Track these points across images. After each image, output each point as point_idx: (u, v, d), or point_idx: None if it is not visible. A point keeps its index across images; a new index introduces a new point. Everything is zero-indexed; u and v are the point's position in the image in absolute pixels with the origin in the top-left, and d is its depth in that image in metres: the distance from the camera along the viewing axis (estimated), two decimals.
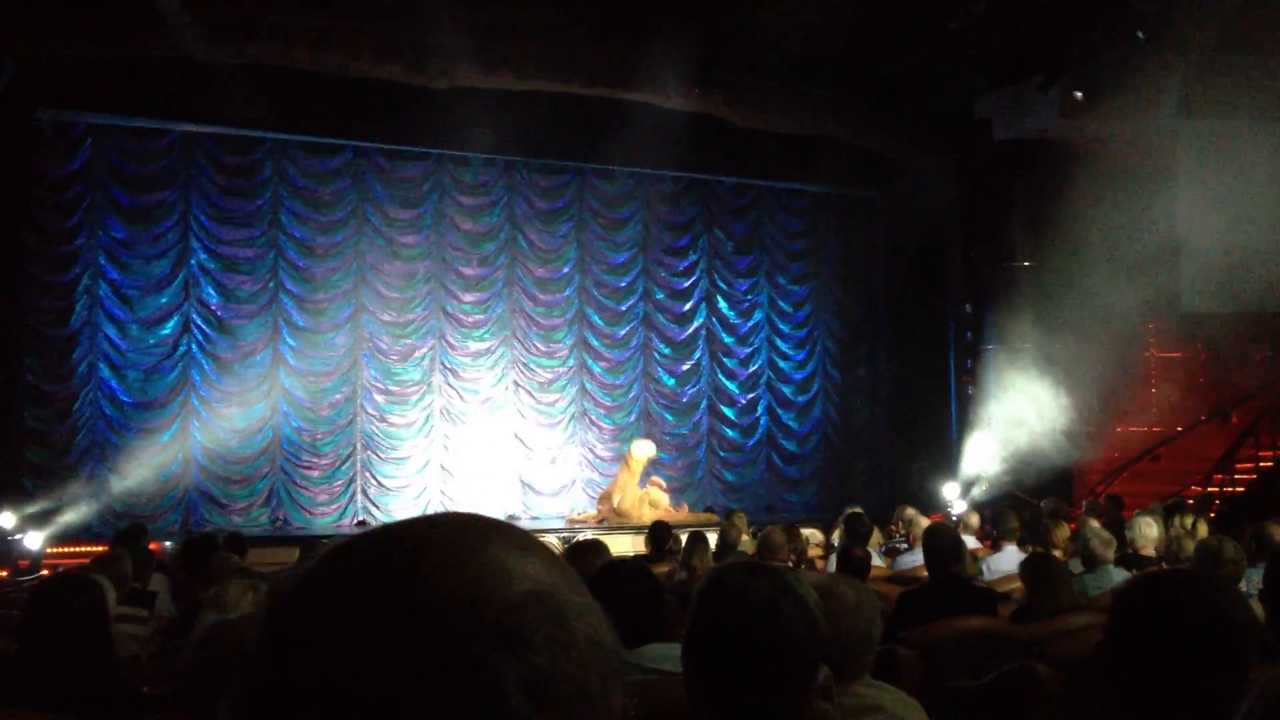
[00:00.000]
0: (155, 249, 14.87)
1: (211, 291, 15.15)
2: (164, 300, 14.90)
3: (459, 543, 0.79)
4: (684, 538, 9.04)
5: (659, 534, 10.18)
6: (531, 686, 0.74)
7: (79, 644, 3.73)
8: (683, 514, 15.16)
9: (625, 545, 12.90)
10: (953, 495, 15.92)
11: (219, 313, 15.18)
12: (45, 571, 11.31)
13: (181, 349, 14.92)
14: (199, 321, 15.05)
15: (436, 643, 0.73)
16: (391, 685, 0.71)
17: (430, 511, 0.81)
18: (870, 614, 3.04)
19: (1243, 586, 5.48)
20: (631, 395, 17.58)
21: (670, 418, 17.83)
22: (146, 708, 3.71)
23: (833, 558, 8.20)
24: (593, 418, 17.32)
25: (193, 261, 15.01)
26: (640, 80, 14.30)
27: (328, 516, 15.39)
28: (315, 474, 15.61)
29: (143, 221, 14.83)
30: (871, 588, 6.36)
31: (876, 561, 8.41)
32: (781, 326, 18.63)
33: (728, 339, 18.31)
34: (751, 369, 18.38)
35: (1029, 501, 13.17)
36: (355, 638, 0.73)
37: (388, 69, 13.80)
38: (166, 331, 14.89)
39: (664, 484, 15.79)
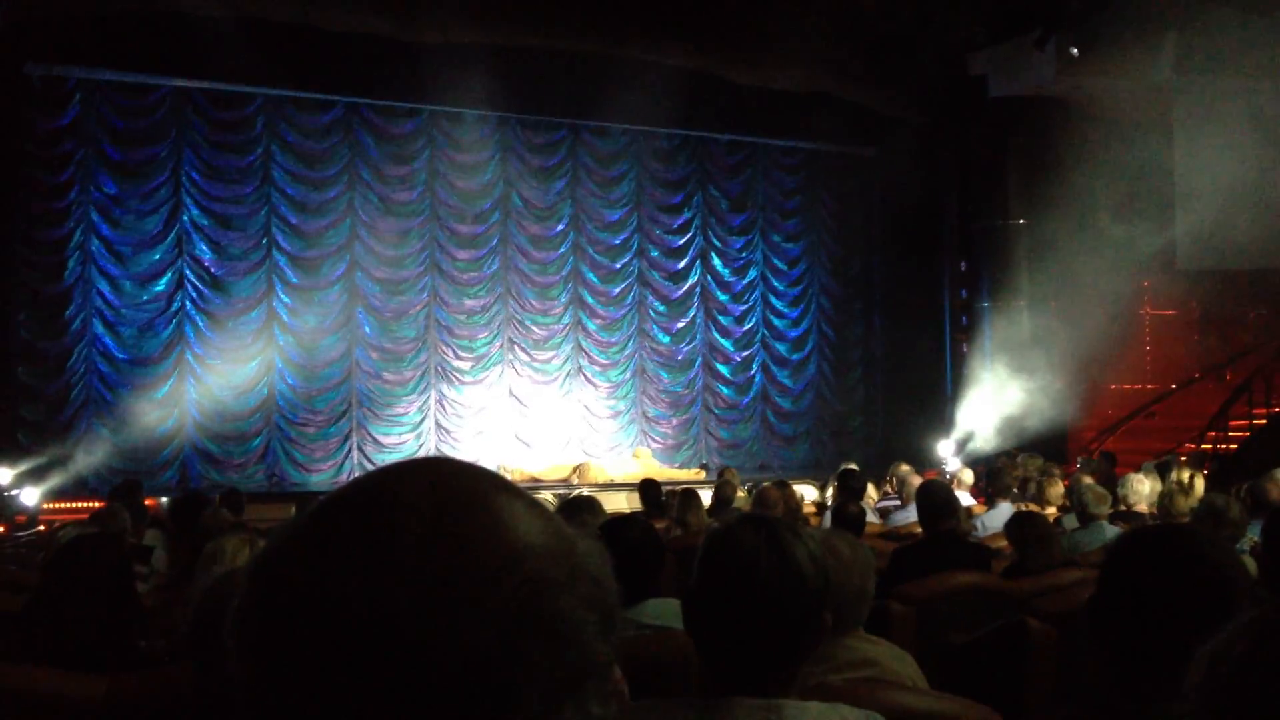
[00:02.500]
0: (147, 205, 14.80)
1: (204, 248, 15.11)
2: (157, 256, 14.85)
3: (465, 489, 0.78)
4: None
5: (650, 490, 10.18)
6: (549, 626, 0.74)
7: (102, 600, 3.74)
8: (671, 471, 15.28)
9: (620, 502, 12.94)
10: (947, 452, 15.97)
11: (212, 269, 15.14)
12: (41, 527, 11.34)
13: (175, 305, 14.89)
14: (192, 278, 15.01)
15: (457, 585, 0.72)
16: (412, 624, 0.70)
17: None
18: (865, 569, 3.06)
19: (1241, 545, 5.50)
20: (627, 352, 17.58)
21: (665, 375, 17.85)
22: (145, 661, 3.72)
23: (827, 514, 8.23)
24: (588, 375, 17.33)
25: (185, 218, 14.95)
26: (635, 35, 14.21)
27: (324, 473, 15.41)
28: (311, 430, 15.63)
29: (134, 177, 14.76)
30: (865, 544, 6.39)
31: (871, 518, 8.44)
32: (776, 284, 18.62)
33: (723, 296, 18.30)
34: (746, 326, 18.38)
35: (1009, 455, 13.18)
36: (374, 578, 0.71)
37: (379, 23, 13.70)
38: (160, 288, 14.86)
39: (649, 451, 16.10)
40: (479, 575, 0.72)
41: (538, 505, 0.81)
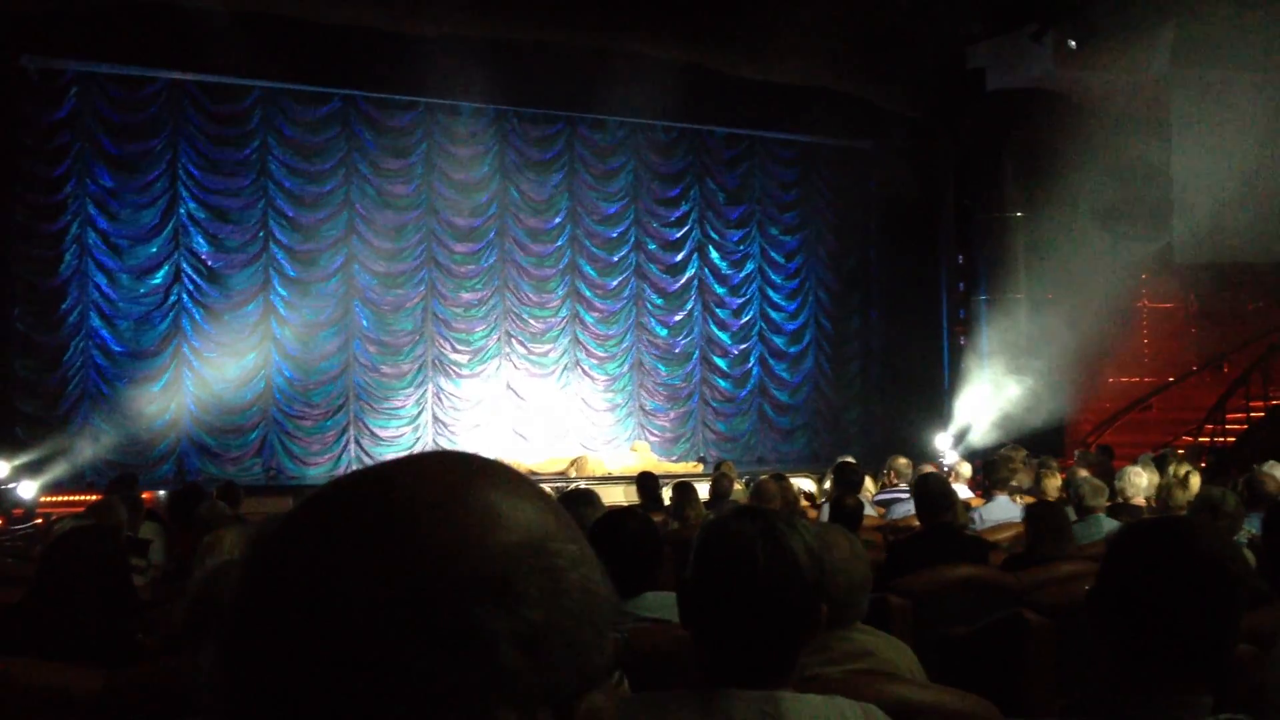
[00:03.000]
0: (144, 198, 14.79)
1: (201, 241, 15.10)
2: (153, 249, 14.84)
3: (448, 486, 0.77)
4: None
5: (647, 483, 10.19)
6: (522, 639, 0.73)
7: (98, 593, 3.75)
8: (668, 465, 15.30)
9: (618, 495, 12.94)
10: (944, 445, 15.98)
11: (209, 262, 15.13)
12: (39, 520, 11.34)
13: (172, 298, 14.87)
14: (189, 271, 15.00)
15: (422, 593, 0.72)
16: (376, 634, 0.70)
17: None
18: (861, 563, 3.07)
19: (1239, 537, 5.51)
20: (624, 346, 17.58)
21: (662, 368, 17.85)
22: (143, 654, 3.73)
23: (825, 507, 8.23)
24: (585, 368, 17.33)
25: (181, 211, 14.94)
26: (632, 28, 14.20)
27: (321, 466, 15.40)
28: (308, 424, 15.63)
29: (131, 170, 14.75)
30: (863, 537, 6.39)
31: (869, 511, 8.44)
32: (774, 277, 18.62)
33: (720, 289, 18.30)
34: (744, 319, 18.38)
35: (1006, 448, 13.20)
36: (338, 584, 0.71)
37: (376, 15, 13.68)
38: (157, 281, 14.84)
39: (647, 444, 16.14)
40: (435, 577, 0.72)
41: (540, 498, 0.80)
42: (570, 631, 0.75)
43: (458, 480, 0.78)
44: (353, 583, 0.72)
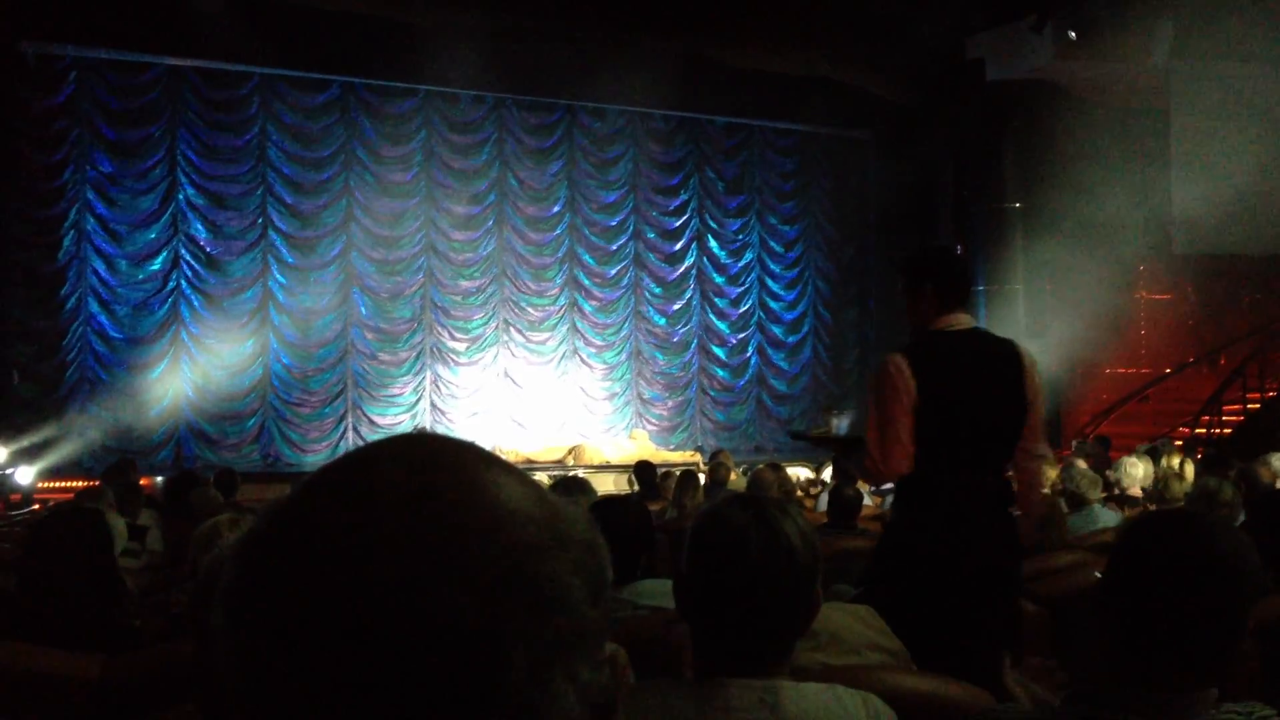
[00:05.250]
0: (143, 184, 14.77)
1: (200, 227, 15.08)
2: (152, 236, 14.83)
3: (469, 458, 0.79)
4: (673, 476, 9.07)
5: (645, 472, 10.20)
6: (591, 591, 0.76)
7: (84, 577, 3.74)
8: (666, 453, 15.30)
9: (615, 484, 12.96)
10: None
11: (208, 249, 15.13)
12: (36, 506, 11.35)
13: (171, 285, 14.87)
14: (188, 257, 14.99)
15: (504, 553, 0.73)
16: (395, 594, 0.70)
17: None
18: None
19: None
20: (622, 334, 17.58)
21: (661, 357, 17.85)
22: (139, 641, 3.73)
23: (823, 496, 8.24)
24: (583, 356, 17.32)
25: (180, 197, 14.92)
26: (632, 16, 14.17)
27: (319, 453, 15.40)
28: (306, 411, 15.63)
29: (129, 156, 14.73)
30: (860, 526, 6.42)
31: (866, 500, 8.45)
32: (772, 266, 18.61)
33: (718, 279, 18.29)
34: (742, 309, 18.38)
35: None
36: (409, 555, 0.71)
37: (376, 2, 13.67)
38: (155, 267, 14.84)
39: (645, 433, 16.14)
40: (460, 542, 0.72)
41: (522, 475, 0.81)
42: (604, 577, 0.78)
43: (472, 454, 0.80)
44: (432, 548, 0.72)
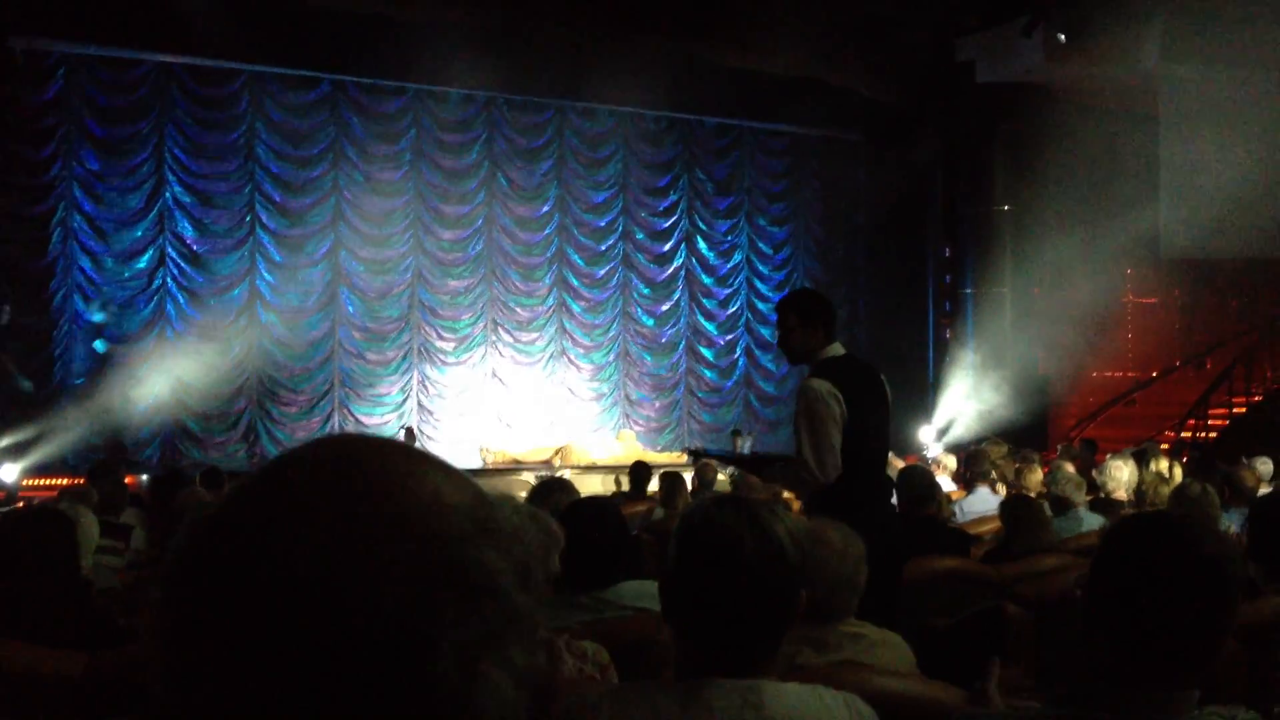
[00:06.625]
0: (130, 181, 14.72)
1: (187, 225, 15.04)
2: (138, 234, 14.78)
3: (395, 454, 0.80)
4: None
5: (640, 473, 10.18)
6: (520, 576, 0.76)
7: (48, 577, 3.73)
8: (653, 454, 15.30)
9: (601, 485, 12.96)
10: (928, 438, 16.02)
11: (194, 247, 15.08)
12: (20, 504, 11.31)
13: (157, 283, 14.81)
14: (174, 255, 14.94)
15: (429, 542, 0.74)
16: (391, 590, 0.72)
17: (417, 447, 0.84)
18: (856, 557, 3.08)
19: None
20: (610, 335, 17.58)
21: (648, 358, 17.85)
22: (123, 638, 3.72)
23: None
24: (571, 357, 17.32)
25: (167, 195, 14.87)
26: (623, 16, 14.17)
27: None
28: (293, 410, 15.60)
29: (117, 153, 14.68)
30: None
31: None
32: (761, 268, 18.62)
33: (707, 280, 18.30)
34: (730, 310, 18.39)
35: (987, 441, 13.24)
36: (337, 544, 0.73)
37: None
38: (141, 265, 14.79)
39: (633, 434, 16.13)
40: (383, 533, 0.73)
41: (448, 467, 0.82)
42: (500, 570, 0.77)
43: (396, 450, 0.81)
44: (356, 541, 0.73)
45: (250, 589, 0.72)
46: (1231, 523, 5.69)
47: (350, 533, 0.73)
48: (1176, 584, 1.85)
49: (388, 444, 0.81)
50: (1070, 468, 7.87)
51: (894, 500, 5.03)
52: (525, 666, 0.77)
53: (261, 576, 0.72)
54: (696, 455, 8.60)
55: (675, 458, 15.44)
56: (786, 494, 7.93)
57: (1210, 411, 16.06)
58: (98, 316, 14.39)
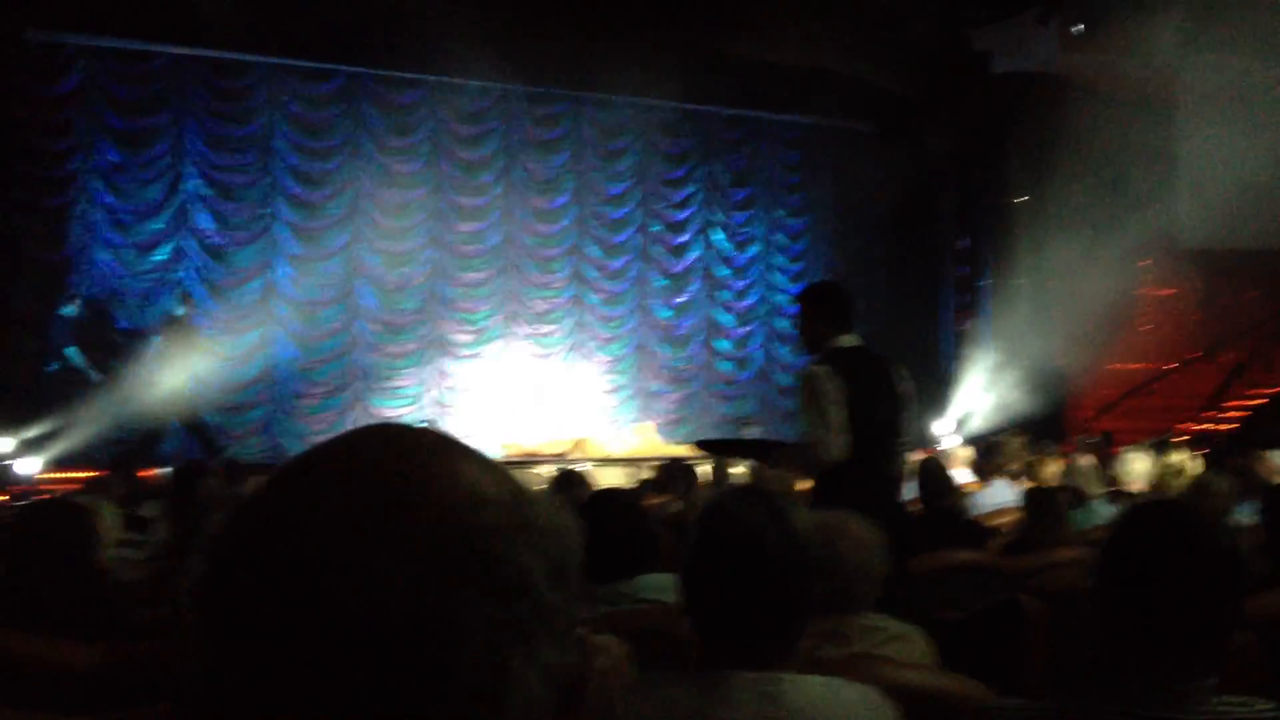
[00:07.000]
0: (149, 174, 14.74)
1: (206, 218, 15.06)
2: (158, 226, 14.81)
3: (408, 446, 0.81)
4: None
5: (675, 470, 9.91)
6: (552, 574, 0.77)
7: (65, 569, 3.74)
8: (670, 447, 15.27)
9: (619, 478, 12.96)
10: (944, 430, 15.99)
11: (213, 239, 15.10)
12: (43, 496, 11.36)
13: (176, 275, 14.85)
14: (194, 248, 14.97)
15: (461, 537, 0.75)
16: (352, 574, 0.72)
17: None
18: (878, 550, 3.10)
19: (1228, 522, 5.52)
20: (628, 327, 17.56)
21: (666, 350, 17.83)
22: (142, 632, 3.74)
23: None
24: (589, 349, 17.30)
25: (188, 187, 14.90)
26: (637, 7, 14.15)
27: None
28: (310, 403, 15.60)
29: (136, 146, 14.69)
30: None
31: None
32: (779, 260, 18.59)
33: (724, 272, 18.27)
34: (748, 302, 18.36)
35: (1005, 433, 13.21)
36: (369, 537, 0.74)
37: None
38: (161, 257, 14.82)
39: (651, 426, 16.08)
40: (417, 524, 0.75)
41: (485, 460, 0.84)
42: (567, 562, 0.79)
43: (434, 441, 0.82)
44: (389, 529, 0.74)
45: (284, 573, 0.73)
46: (1244, 514, 5.67)
47: (385, 522, 0.74)
48: (1182, 571, 1.86)
49: (427, 436, 0.82)
50: (1087, 460, 7.87)
51: (902, 496, 5.05)
52: (555, 665, 0.77)
53: (295, 562, 0.73)
54: (705, 446, 8.66)
55: (693, 450, 15.43)
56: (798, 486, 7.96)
57: (1228, 404, 16.00)
58: (68, 310, 14.32)
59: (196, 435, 13.95)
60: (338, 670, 0.71)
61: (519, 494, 0.80)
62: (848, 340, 4.91)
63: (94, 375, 13.94)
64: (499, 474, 0.81)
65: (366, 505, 0.75)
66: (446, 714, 0.73)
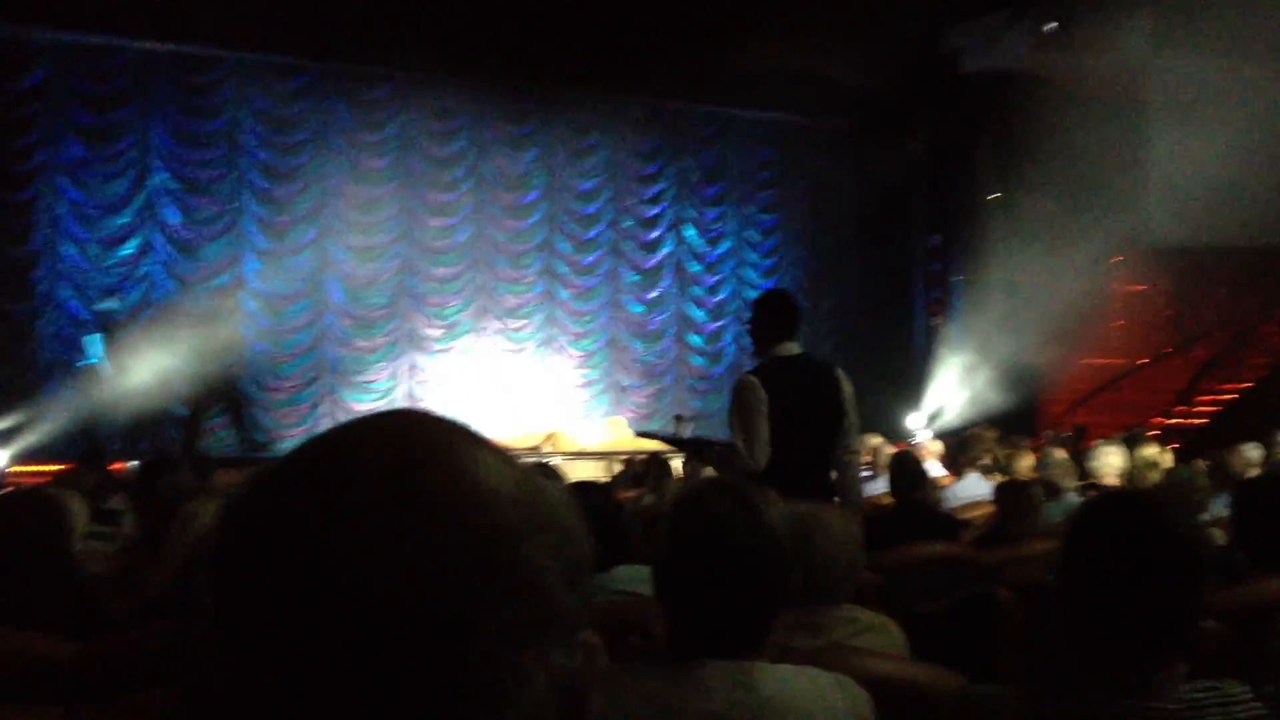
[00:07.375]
0: (114, 168, 14.64)
1: (174, 212, 14.97)
2: (124, 220, 14.71)
3: (427, 437, 0.78)
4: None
5: (648, 464, 10.02)
6: (569, 577, 0.76)
7: (36, 562, 3.71)
8: (642, 442, 15.29)
9: (591, 472, 12.95)
10: (917, 425, 16.04)
11: (180, 233, 15.01)
12: (10, 489, 11.28)
13: (142, 270, 14.75)
14: (160, 242, 14.88)
15: (478, 538, 0.73)
16: (367, 569, 0.70)
17: None
18: (854, 542, 3.10)
19: (1204, 516, 5.56)
20: (599, 323, 17.57)
21: (638, 345, 17.84)
22: (113, 623, 3.71)
23: None
24: (560, 344, 17.30)
25: (155, 181, 14.81)
26: (609, 2, 14.14)
27: (293, 439, 15.20)
28: (280, 397, 15.55)
29: (102, 140, 14.59)
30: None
31: None
32: (750, 255, 18.62)
33: (696, 267, 18.29)
34: (719, 297, 18.39)
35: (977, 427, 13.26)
36: (381, 531, 0.71)
37: None
38: (128, 252, 14.72)
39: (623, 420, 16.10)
40: (434, 520, 0.72)
41: (506, 456, 0.81)
42: (549, 569, 0.76)
43: (455, 432, 0.79)
44: (405, 522, 0.72)
45: (294, 565, 0.71)
46: (1221, 508, 5.70)
47: (400, 516, 0.72)
48: (1141, 561, 1.86)
49: (448, 426, 0.80)
50: (1060, 453, 7.90)
51: (834, 496, 5.17)
52: (562, 668, 0.76)
53: (307, 554, 0.71)
54: (645, 437, 8.83)
55: (665, 445, 15.45)
56: None
57: (1198, 399, 16.11)
58: (108, 305, 14.28)
59: (231, 411, 14.17)
60: (349, 661, 0.69)
61: (539, 494, 0.78)
62: (790, 348, 5.19)
63: (108, 368, 13.84)
64: (520, 472, 0.79)
65: (382, 499, 0.72)
66: (456, 714, 0.71)
